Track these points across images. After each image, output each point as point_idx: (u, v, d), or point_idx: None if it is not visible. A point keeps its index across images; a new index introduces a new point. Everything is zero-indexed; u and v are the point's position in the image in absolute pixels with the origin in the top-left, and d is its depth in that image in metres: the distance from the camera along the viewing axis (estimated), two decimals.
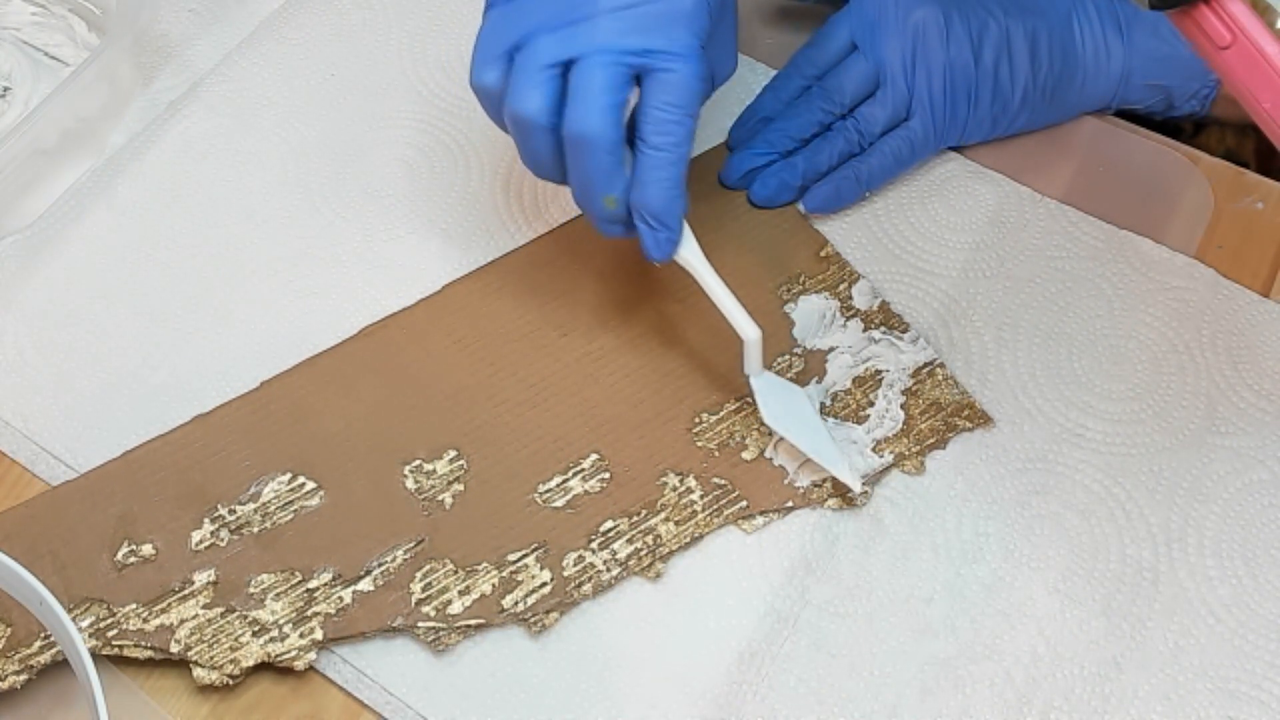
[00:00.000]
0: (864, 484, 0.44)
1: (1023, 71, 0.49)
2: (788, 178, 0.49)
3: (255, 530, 0.43)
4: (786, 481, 0.44)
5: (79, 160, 0.52)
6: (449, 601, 0.41)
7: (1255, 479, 0.44)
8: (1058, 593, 0.42)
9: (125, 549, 0.42)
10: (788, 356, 0.47)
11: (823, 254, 0.49)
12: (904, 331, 0.47)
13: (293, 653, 0.40)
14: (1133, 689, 0.40)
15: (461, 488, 0.44)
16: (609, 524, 0.43)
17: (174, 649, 0.40)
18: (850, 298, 0.48)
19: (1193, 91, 0.52)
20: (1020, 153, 0.52)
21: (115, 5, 0.52)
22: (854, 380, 0.46)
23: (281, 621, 0.41)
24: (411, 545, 0.43)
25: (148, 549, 0.42)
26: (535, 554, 0.42)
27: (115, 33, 0.51)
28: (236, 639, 0.40)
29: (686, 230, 0.43)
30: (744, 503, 0.43)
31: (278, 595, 0.41)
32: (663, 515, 0.43)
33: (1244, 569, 0.42)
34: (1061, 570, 0.42)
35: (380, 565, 0.42)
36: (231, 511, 0.43)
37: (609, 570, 0.42)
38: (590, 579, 0.42)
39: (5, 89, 0.53)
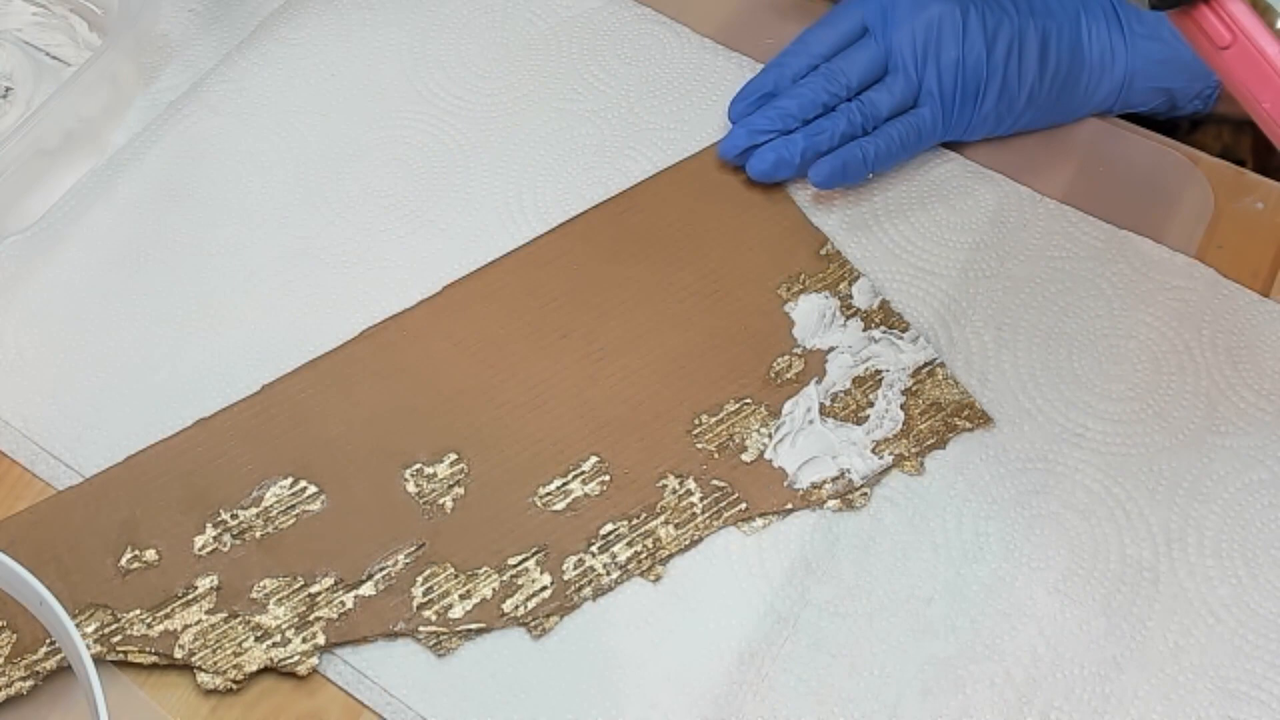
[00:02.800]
0: (864, 484, 0.44)
1: (1031, 72, 0.49)
2: (786, 154, 0.49)
3: (257, 535, 0.43)
4: (786, 483, 0.44)
5: (81, 160, 0.52)
6: (450, 605, 0.42)
7: (1255, 479, 0.44)
8: (1058, 592, 0.42)
9: (129, 554, 0.42)
10: (788, 356, 0.47)
11: (823, 252, 0.49)
12: (904, 331, 0.47)
13: (295, 658, 0.40)
14: (1133, 689, 0.40)
15: (462, 491, 0.44)
16: (609, 527, 0.43)
17: (178, 654, 0.40)
18: (850, 296, 0.48)
19: (1196, 92, 0.52)
20: (1020, 153, 0.52)
21: (116, 5, 0.52)
22: (854, 380, 0.46)
23: (284, 626, 0.41)
24: (412, 549, 0.43)
25: (151, 554, 0.42)
26: (535, 557, 0.43)
27: (116, 33, 0.51)
28: (240, 644, 0.41)
29: None
30: (743, 504, 0.44)
31: (280, 600, 0.41)
32: (662, 518, 0.43)
33: (1244, 569, 0.42)
34: (1062, 570, 0.42)
35: (381, 569, 0.42)
36: (234, 516, 0.43)
37: (609, 573, 0.42)
38: (590, 582, 0.42)
39: (7, 89, 0.53)
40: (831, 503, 0.44)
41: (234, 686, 0.40)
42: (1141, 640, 0.41)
